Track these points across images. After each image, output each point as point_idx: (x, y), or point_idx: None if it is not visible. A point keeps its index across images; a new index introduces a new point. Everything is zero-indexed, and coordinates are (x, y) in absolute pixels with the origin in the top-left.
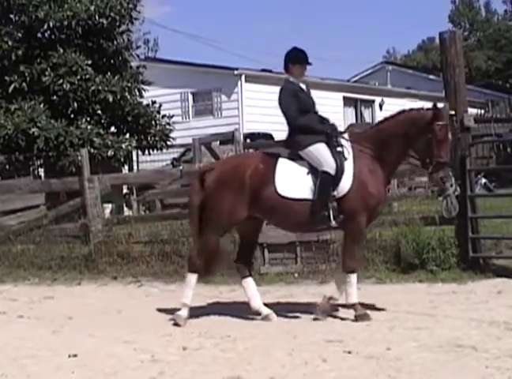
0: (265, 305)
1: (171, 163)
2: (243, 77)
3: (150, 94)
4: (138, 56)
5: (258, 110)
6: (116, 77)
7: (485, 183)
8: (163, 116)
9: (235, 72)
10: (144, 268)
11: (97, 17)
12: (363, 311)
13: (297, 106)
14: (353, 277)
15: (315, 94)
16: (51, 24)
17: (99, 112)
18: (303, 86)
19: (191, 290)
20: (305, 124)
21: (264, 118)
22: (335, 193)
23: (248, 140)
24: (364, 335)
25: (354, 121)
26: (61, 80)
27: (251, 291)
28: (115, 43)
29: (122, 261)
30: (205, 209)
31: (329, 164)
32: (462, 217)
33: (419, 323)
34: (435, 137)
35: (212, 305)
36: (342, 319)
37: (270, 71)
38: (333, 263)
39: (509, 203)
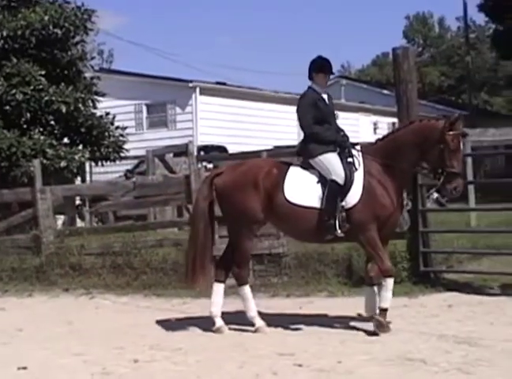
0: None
1: (125, 174)
2: (198, 90)
3: (104, 105)
4: (92, 67)
5: (213, 122)
6: (70, 88)
7: (437, 198)
8: (117, 127)
9: (190, 84)
10: (95, 280)
11: (51, 27)
12: (387, 321)
13: (314, 114)
14: (390, 282)
15: (269, 107)
16: (5, 34)
17: (53, 123)
18: (325, 96)
19: (252, 301)
20: (318, 133)
21: (218, 130)
22: (343, 203)
23: (202, 153)
24: (316, 348)
25: None
26: (14, 90)
27: (217, 298)
28: (69, 53)
29: (74, 273)
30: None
31: (338, 174)
32: (413, 231)
33: (370, 336)
34: (448, 147)
35: (164, 317)
36: (293, 332)
37: (224, 84)
38: (285, 276)
39: (460, 217)
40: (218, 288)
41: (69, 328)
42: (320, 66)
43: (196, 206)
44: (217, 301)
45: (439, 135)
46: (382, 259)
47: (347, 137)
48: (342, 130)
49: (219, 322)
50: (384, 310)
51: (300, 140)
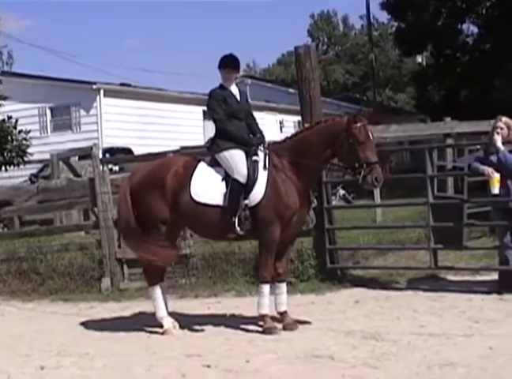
0: (123, 320)
1: (29, 179)
2: (102, 92)
3: (6, 109)
4: None
5: (118, 124)
6: None
7: (344, 195)
8: (20, 131)
9: (94, 86)
10: (0, 286)
11: None
12: (272, 324)
13: (224, 110)
14: (265, 287)
15: (174, 108)
16: None
17: None
18: (236, 92)
19: (161, 301)
20: (227, 129)
21: (124, 132)
22: (247, 201)
23: (107, 155)
24: (224, 348)
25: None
26: None
27: (159, 301)
28: None
29: None
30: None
31: (240, 172)
32: (319, 229)
33: (277, 335)
34: (357, 140)
35: (71, 323)
36: (201, 333)
37: (129, 85)
38: (193, 277)
39: (366, 214)
40: (156, 291)
41: None
42: (222, 62)
43: (118, 207)
44: (160, 304)
45: (346, 130)
46: (267, 265)
47: (263, 138)
48: (260, 131)
49: (167, 323)
50: (263, 316)
51: (212, 137)
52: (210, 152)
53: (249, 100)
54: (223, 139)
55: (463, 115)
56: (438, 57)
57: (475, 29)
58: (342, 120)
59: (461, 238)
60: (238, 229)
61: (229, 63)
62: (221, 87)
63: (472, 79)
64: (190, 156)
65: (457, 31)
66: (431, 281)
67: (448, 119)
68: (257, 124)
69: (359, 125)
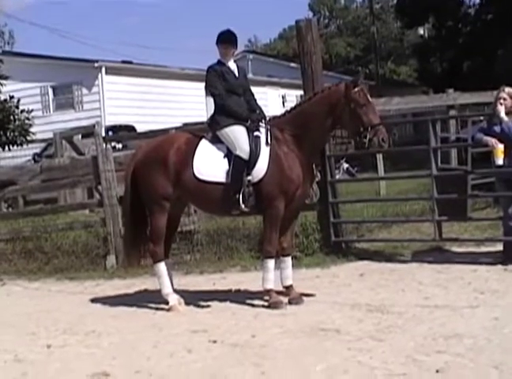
0: (129, 297)
1: (33, 158)
2: (104, 69)
3: (8, 88)
4: None
5: (120, 102)
6: None
7: (347, 168)
8: (22, 111)
9: (95, 64)
10: (6, 266)
11: None
12: (278, 298)
13: (223, 85)
14: (270, 262)
15: (176, 84)
16: None
17: None
18: (234, 68)
19: (166, 278)
20: (226, 104)
21: (126, 110)
22: (250, 177)
23: (110, 133)
24: (229, 323)
25: None
26: None
27: (164, 278)
28: None
29: None
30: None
31: (242, 148)
32: (323, 202)
33: (283, 309)
34: (358, 104)
35: (77, 301)
36: (207, 309)
37: (131, 62)
38: (198, 253)
39: (369, 187)
40: (161, 268)
41: None
42: (219, 38)
43: (125, 185)
44: (165, 280)
45: (345, 96)
46: (271, 240)
47: (263, 114)
48: (259, 107)
49: (173, 300)
50: (268, 291)
51: (211, 113)
52: (211, 129)
53: (247, 76)
54: (222, 115)
55: (466, 86)
56: (439, 28)
57: (476, 0)
58: (339, 87)
59: (466, 209)
60: (242, 206)
61: (227, 39)
62: (219, 63)
63: (474, 50)
64: (192, 133)
65: (459, 2)
66: (435, 253)
67: (451, 91)
68: (255, 100)
69: (357, 89)
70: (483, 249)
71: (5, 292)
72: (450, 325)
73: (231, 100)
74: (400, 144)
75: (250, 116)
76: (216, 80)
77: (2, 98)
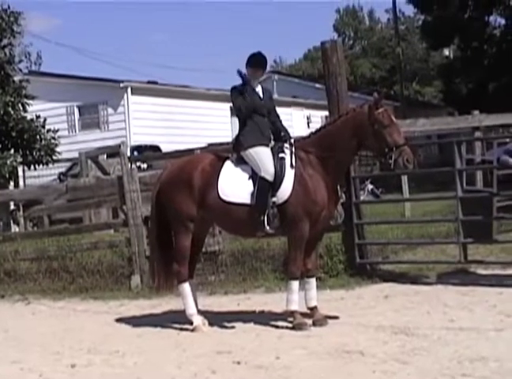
0: (153, 317)
1: (59, 177)
2: (129, 90)
3: (35, 108)
4: (21, 70)
5: (145, 122)
6: None
7: (372, 189)
8: (48, 130)
9: (121, 84)
10: (31, 285)
11: None
12: (302, 320)
13: (247, 107)
14: (295, 283)
15: (201, 105)
16: None
17: None
18: (258, 89)
19: (191, 298)
20: (249, 124)
21: (151, 130)
22: (274, 199)
23: (135, 153)
24: (253, 345)
25: None
26: None
27: (188, 299)
28: None
29: (9, 279)
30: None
31: (267, 170)
32: (348, 224)
33: (308, 330)
34: (382, 124)
35: (102, 320)
36: (231, 329)
37: (156, 83)
38: (222, 274)
39: (394, 208)
40: (186, 288)
41: (4, 335)
42: (252, 60)
43: (151, 205)
44: (190, 301)
45: (369, 117)
46: (296, 261)
47: (288, 134)
48: (285, 128)
49: (197, 320)
50: (292, 312)
51: (236, 134)
52: (236, 150)
53: (273, 98)
54: (246, 135)
55: (491, 108)
56: (465, 49)
57: (502, 21)
58: (363, 109)
59: (491, 231)
60: (267, 227)
61: (258, 62)
62: (244, 83)
63: (499, 71)
64: (217, 154)
65: (484, 23)
66: (460, 275)
67: (476, 112)
68: (281, 121)
69: (381, 110)
70: (509, 271)
71: (31, 311)
72: (476, 348)
73: (254, 120)
74: (425, 166)
75: (273, 136)
76: (241, 101)
77: (29, 117)
